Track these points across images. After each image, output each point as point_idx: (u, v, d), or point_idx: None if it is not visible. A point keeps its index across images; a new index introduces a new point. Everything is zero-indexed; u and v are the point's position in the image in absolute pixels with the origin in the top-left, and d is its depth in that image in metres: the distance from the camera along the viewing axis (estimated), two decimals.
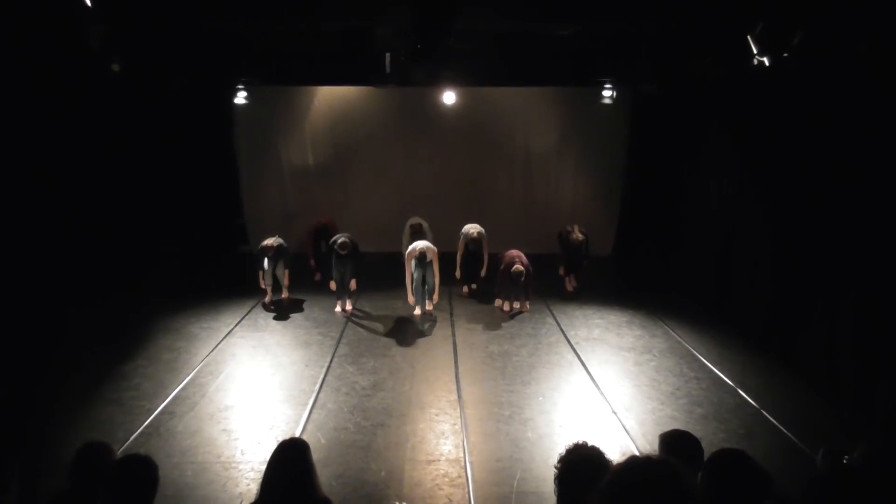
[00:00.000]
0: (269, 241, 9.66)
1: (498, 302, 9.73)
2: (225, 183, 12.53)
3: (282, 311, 9.60)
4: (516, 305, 9.63)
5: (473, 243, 10.02)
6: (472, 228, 10.03)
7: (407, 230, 10.83)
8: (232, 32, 8.51)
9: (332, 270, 9.54)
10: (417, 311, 9.47)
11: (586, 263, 10.73)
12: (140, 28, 7.68)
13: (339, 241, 9.39)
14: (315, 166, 13.00)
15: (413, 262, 9.24)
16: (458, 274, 10.37)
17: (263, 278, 9.70)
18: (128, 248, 9.89)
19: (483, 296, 10.19)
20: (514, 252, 9.45)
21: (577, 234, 10.41)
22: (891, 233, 6.12)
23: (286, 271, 9.81)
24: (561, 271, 10.73)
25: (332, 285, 9.58)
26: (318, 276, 10.78)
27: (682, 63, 8.76)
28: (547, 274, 10.42)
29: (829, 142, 7.03)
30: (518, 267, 9.11)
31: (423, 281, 9.35)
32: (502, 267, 9.38)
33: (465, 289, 10.48)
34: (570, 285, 10.73)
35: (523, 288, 9.42)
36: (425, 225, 10.79)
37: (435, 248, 9.39)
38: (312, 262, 10.93)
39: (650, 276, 11.32)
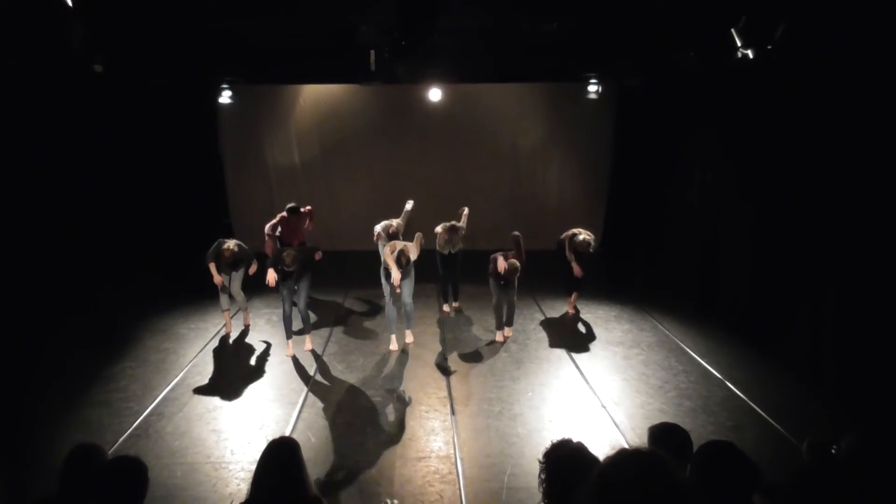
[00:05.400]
0: (229, 245, 8.08)
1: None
2: (210, 182, 12.48)
3: (271, 311, 9.55)
4: (508, 334, 8.56)
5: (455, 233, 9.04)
6: (448, 226, 9.02)
7: (387, 249, 7.91)
8: (216, 31, 8.47)
9: (281, 295, 7.81)
10: (394, 347, 8.10)
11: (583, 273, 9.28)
12: (122, 27, 7.63)
13: (282, 253, 7.53)
14: (301, 164, 12.99)
15: (392, 260, 7.63)
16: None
17: (221, 297, 8.37)
18: (114, 249, 9.83)
19: (469, 297, 9.94)
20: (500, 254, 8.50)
21: (585, 235, 9.07)
22: (875, 225, 6.17)
23: (241, 292, 8.53)
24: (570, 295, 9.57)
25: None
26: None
27: (666, 57, 8.80)
28: (534, 270, 10.29)
29: (812, 135, 7.08)
30: (501, 264, 8.17)
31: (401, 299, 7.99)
32: (490, 267, 8.46)
33: (447, 307, 9.71)
34: (570, 306, 9.61)
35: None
36: (400, 224, 9.34)
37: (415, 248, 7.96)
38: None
39: (638, 270, 11.35)
